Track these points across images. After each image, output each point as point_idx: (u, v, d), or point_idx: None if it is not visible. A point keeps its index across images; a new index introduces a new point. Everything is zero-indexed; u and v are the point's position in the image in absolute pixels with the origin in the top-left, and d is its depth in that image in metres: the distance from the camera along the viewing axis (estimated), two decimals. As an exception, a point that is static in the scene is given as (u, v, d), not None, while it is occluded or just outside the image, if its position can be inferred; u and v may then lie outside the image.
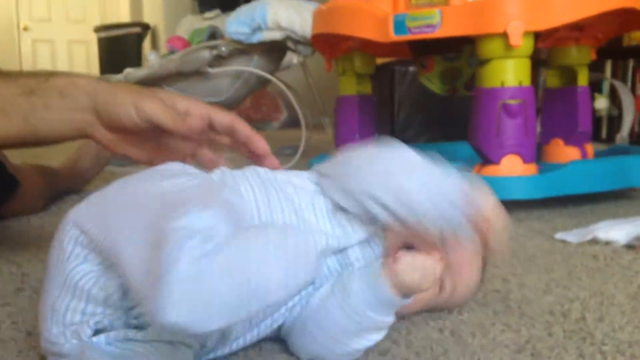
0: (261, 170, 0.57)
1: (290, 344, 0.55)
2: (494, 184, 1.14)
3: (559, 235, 0.99)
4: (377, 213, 0.51)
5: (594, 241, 0.96)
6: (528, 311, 0.67)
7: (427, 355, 0.56)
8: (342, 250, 0.54)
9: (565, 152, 1.39)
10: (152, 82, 2.13)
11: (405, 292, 0.50)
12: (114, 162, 1.73)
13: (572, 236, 0.98)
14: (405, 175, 0.51)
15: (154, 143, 0.68)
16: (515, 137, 1.16)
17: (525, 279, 0.79)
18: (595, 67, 2.54)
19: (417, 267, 0.49)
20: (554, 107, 1.44)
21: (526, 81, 1.15)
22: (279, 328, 0.55)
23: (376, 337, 0.53)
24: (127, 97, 0.62)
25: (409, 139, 2.35)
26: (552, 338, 0.59)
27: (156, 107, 0.62)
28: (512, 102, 1.14)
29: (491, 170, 1.18)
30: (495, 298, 0.71)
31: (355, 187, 0.52)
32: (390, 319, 0.52)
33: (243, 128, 0.67)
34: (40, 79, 0.66)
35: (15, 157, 1.16)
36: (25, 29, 6.58)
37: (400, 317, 0.59)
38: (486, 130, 1.17)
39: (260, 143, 0.67)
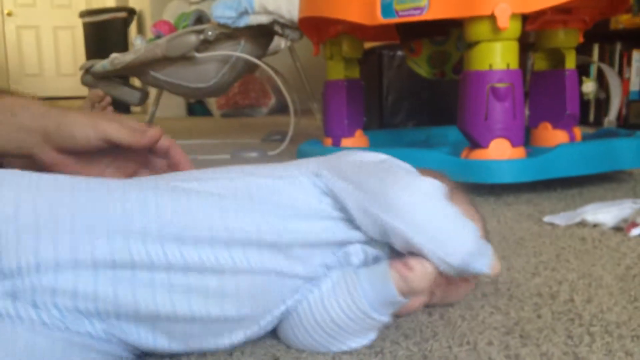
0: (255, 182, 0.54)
1: (281, 333, 0.55)
2: (483, 167, 1.16)
3: (547, 219, 1.00)
4: (396, 244, 0.52)
5: (582, 224, 0.96)
6: (517, 293, 0.67)
7: (416, 337, 0.56)
8: (341, 247, 0.53)
9: (553, 136, 1.40)
10: (139, 67, 2.11)
11: (408, 294, 0.51)
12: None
13: (560, 219, 0.98)
14: (449, 230, 0.51)
15: (97, 165, 0.70)
16: (504, 121, 1.16)
17: (514, 261, 0.79)
18: (583, 51, 2.55)
19: (427, 274, 0.50)
20: (541, 91, 1.44)
21: (514, 64, 1.15)
22: None
23: (372, 336, 0.54)
24: (82, 118, 0.64)
25: (398, 124, 2.35)
26: (541, 320, 0.60)
27: (113, 125, 0.64)
28: (500, 85, 1.14)
29: (480, 154, 1.18)
30: (484, 281, 0.71)
31: (389, 220, 0.51)
32: (387, 319, 0.53)
33: (177, 152, 0.71)
34: None
35: None
36: (10, 14, 6.50)
37: None
38: (474, 114, 1.17)
39: (186, 168, 0.71)
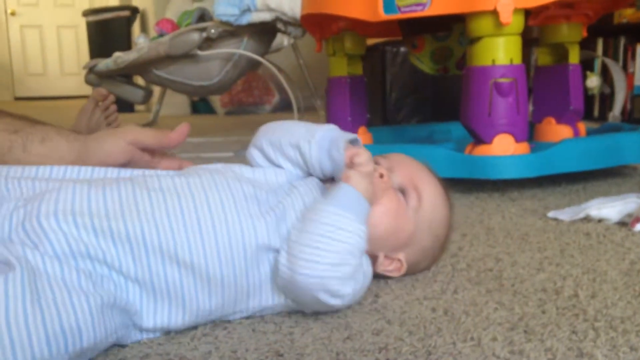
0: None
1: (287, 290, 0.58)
2: (487, 163, 1.16)
3: (552, 214, 1.00)
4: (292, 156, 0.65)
5: (587, 219, 0.96)
6: (521, 289, 0.67)
7: (420, 334, 0.56)
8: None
9: (557, 131, 1.39)
10: (142, 65, 2.11)
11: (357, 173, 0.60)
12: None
13: (565, 214, 0.98)
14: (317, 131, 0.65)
15: None
16: (507, 116, 1.15)
17: (518, 257, 0.79)
18: (587, 45, 2.54)
19: (363, 175, 0.60)
20: (545, 86, 1.43)
21: (517, 59, 1.15)
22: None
23: (360, 278, 0.58)
24: (110, 132, 0.67)
25: (402, 120, 2.35)
26: (545, 315, 0.59)
27: (138, 130, 0.67)
28: (503, 80, 1.13)
29: (483, 149, 1.18)
30: (488, 277, 0.71)
31: (283, 140, 0.65)
32: (362, 227, 0.58)
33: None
34: (27, 123, 0.68)
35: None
36: (13, 14, 6.51)
37: (383, 272, 0.67)
38: (478, 110, 1.17)
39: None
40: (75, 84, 6.58)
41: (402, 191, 0.66)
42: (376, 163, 0.67)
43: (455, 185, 1.22)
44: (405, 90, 2.35)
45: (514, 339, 0.54)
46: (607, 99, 2.68)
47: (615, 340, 0.53)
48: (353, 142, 0.65)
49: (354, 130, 1.52)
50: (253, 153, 0.68)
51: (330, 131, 0.65)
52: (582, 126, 1.42)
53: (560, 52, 1.39)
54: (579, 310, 0.60)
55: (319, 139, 0.64)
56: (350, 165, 0.61)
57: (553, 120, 1.41)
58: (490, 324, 0.58)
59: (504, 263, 0.76)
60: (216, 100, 4.12)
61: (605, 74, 2.63)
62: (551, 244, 0.84)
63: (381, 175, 0.65)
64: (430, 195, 0.67)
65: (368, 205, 0.60)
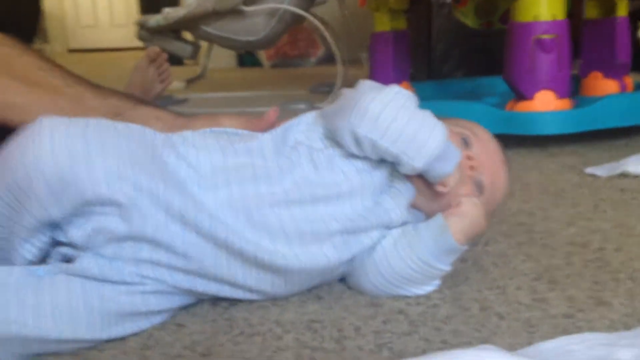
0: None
1: (351, 282, 0.59)
2: (528, 119, 1.17)
3: (589, 170, 1.01)
4: (369, 152, 0.55)
5: (624, 175, 0.97)
6: (550, 242, 0.70)
7: (448, 282, 0.60)
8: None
9: (603, 85, 1.38)
10: (190, 21, 2.15)
11: (469, 233, 0.55)
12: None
13: (602, 170, 1.00)
14: (412, 133, 0.54)
15: None
16: (549, 73, 1.16)
17: (551, 212, 0.81)
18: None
19: (475, 202, 0.56)
20: (593, 39, 1.41)
21: (560, 15, 1.14)
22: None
23: (437, 282, 0.58)
24: (204, 122, 0.66)
25: (447, 73, 2.34)
26: (570, 267, 0.63)
27: (233, 120, 0.67)
28: (545, 36, 1.13)
29: (525, 105, 1.19)
30: (519, 230, 0.75)
31: (358, 131, 0.54)
32: (449, 268, 0.57)
33: None
34: (129, 105, 0.69)
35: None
36: (63, -33, 6.60)
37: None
38: (519, 66, 1.17)
39: None
40: (125, 35, 6.67)
41: (479, 186, 0.60)
42: (465, 137, 0.60)
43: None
44: (451, 42, 2.33)
45: (537, 288, 0.58)
46: (661, 51, 2.59)
47: (633, 290, 0.57)
48: None
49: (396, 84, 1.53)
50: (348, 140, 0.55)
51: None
52: (629, 80, 1.40)
53: (609, 5, 1.37)
54: (603, 262, 0.64)
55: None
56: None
57: (600, 75, 1.39)
58: (517, 274, 0.61)
59: (537, 217, 0.79)
60: (262, 53, 4.15)
61: (660, 25, 2.54)
62: (585, 200, 0.86)
63: (472, 168, 0.59)
64: (503, 188, 0.63)
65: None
